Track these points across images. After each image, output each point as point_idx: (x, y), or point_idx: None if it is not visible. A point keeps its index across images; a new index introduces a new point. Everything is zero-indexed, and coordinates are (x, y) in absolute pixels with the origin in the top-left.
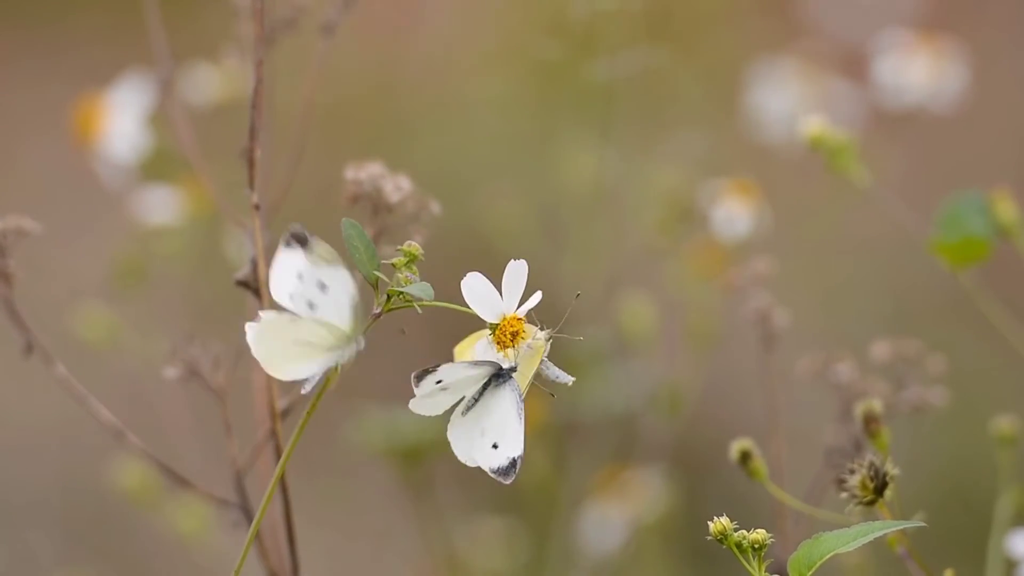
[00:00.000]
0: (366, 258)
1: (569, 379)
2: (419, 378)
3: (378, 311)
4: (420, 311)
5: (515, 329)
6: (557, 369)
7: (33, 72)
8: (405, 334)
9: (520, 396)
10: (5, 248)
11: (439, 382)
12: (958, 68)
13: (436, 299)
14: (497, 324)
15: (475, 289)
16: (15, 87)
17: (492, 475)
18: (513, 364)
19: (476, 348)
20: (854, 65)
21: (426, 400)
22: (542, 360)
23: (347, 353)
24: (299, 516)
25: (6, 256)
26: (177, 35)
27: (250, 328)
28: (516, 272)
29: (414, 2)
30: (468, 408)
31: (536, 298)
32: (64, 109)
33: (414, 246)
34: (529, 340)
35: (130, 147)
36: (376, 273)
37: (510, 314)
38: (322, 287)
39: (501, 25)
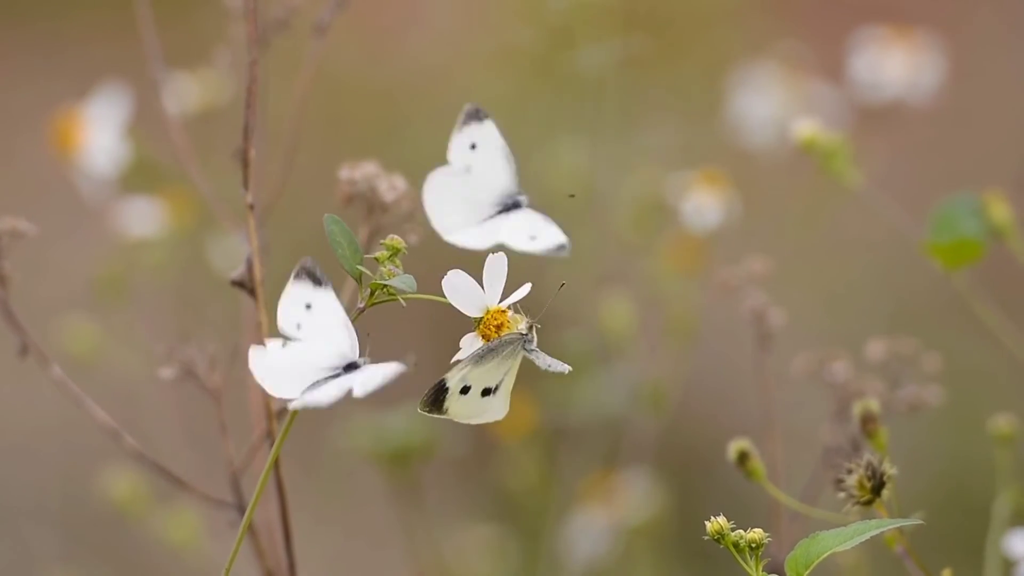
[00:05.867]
0: (349, 253)
1: (564, 368)
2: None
3: (362, 305)
4: (404, 304)
5: (499, 322)
6: (549, 358)
7: (31, 69)
8: (369, 336)
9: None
10: (1, 250)
11: (308, 306)
12: (934, 60)
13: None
14: (481, 318)
15: (456, 286)
16: (13, 84)
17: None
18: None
19: (462, 342)
20: (836, 65)
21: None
22: (532, 350)
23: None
24: (296, 516)
25: (2, 257)
26: (171, 35)
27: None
28: (496, 265)
29: (408, 3)
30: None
31: (524, 290)
32: (62, 107)
33: (397, 239)
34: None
35: (108, 161)
36: (359, 268)
37: (493, 307)
38: (308, 308)
39: (495, 25)
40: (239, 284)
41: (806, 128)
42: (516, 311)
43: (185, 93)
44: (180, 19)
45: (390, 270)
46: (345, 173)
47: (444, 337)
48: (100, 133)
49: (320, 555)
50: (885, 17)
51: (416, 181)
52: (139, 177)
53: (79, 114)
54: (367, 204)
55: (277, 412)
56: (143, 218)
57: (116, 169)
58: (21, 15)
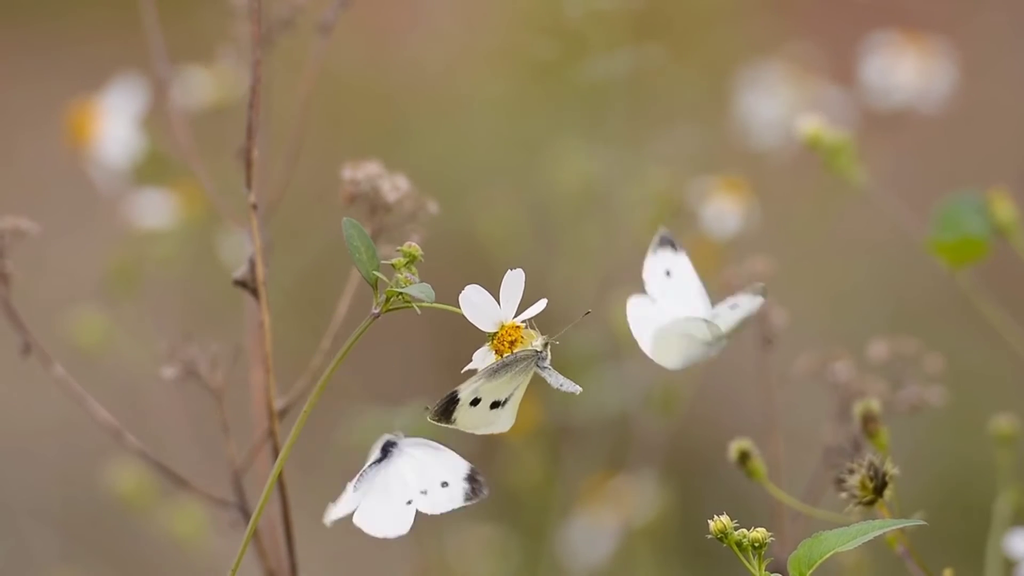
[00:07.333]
0: (366, 258)
1: (576, 388)
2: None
3: (377, 311)
4: (419, 312)
5: (513, 338)
6: (561, 377)
7: (32, 68)
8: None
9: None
10: (3, 248)
11: None
12: (946, 67)
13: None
14: (495, 333)
15: (473, 301)
16: (14, 83)
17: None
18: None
19: (475, 356)
20: (843, 66)
21: None
22: (545, 368)
23: (716, 349)
24: (298, 516)
25: (4, 256)
26: (174, 34)
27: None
28: (514, 281)
29: (410, 3)
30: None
31: (540, 306)
32: (63, 105)
33: (414, 247)
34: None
35: (123, 151)
36: (376, 273)
37: (508, 322)
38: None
39: (498, 26)
40: (242, 284)
41: (811, 124)
42: (531, 327)
43: (189, 91)
44: (183, 18)
45: (406, 277)
46: (348, 173)
47: (444, 335)
48: (115, 124)
49: (320, 555)
50: (889, 16)
51: (418, 181)
52: (151, 169)
53: (93, 105)
54: (370, 204)
55: (279, 412)
56: (155, 210)
57: (130, 160)
58: (21, 15)
